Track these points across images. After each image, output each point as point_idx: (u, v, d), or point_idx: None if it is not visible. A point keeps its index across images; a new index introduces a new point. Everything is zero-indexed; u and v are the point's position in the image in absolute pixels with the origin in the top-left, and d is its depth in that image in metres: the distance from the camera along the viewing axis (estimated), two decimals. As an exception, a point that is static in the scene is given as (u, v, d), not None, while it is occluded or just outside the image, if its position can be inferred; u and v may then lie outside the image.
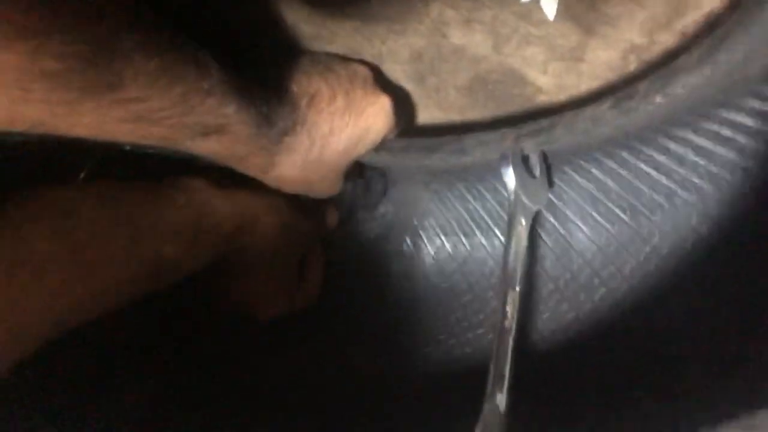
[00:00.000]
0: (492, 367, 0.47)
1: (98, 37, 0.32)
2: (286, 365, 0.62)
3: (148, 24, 0.35)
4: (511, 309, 0.50)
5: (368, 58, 0.61)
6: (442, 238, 0.64)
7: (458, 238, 0.63)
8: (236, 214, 0.51)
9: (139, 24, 0.34)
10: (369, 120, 0.53)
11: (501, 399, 0.47)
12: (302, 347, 0.63)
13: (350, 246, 0.67)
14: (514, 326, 0.50)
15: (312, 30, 0.60)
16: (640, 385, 0.51)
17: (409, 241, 0.65)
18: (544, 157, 0.57)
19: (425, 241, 0.65)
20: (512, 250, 0.52)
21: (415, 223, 0.65)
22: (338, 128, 0.52)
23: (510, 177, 0.53)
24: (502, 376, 0.47)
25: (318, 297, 0.63)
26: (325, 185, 0.55)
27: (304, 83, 0.51)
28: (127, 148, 0.43)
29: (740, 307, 0.51)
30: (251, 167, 0.50)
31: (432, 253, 0.64)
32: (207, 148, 0.44)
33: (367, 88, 0.55)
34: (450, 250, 0.64)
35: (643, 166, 0.55)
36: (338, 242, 0.66)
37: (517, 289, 0.51)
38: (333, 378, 0.61)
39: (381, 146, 0.59)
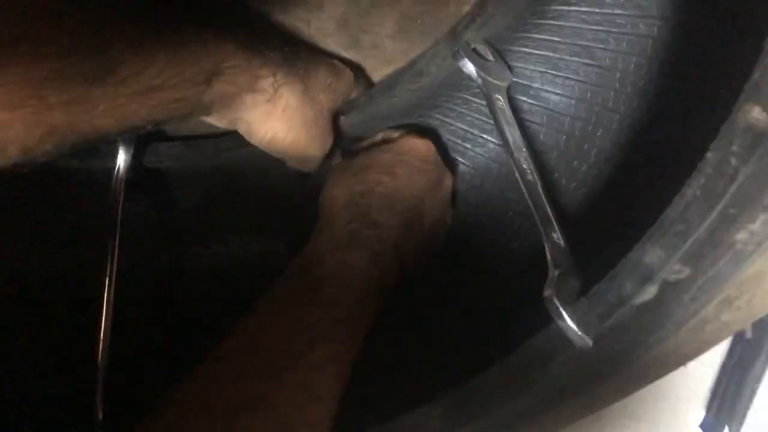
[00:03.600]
0: (535, 214, 0.49)
1: (83, 31, 0.36)
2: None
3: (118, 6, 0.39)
4: (527, 165, 0.52)
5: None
6: (442, 167, 0.66)
7: (455, 160, 0.66)
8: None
9: (111, 11, 0.39)
10: (333, 69, 0.59)
11: (557, 236, 0.48)
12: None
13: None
14: (537, 177, 0.52)
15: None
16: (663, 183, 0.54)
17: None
18: (491, 46, 0.61)
19: (428, 178, 0.67)
20: (503, 122, 0.55)
21: (412, 168, 0.67)
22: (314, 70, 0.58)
23: (469, 67, 0.57)
24: (548, 217, 0.49)
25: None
26: (321, 128, 0.59)
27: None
28: (149, 128, 0.45)
29: (714, 83, 0.54)
30: (261, 99, 0.52)
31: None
32: (218, 93, 0.47)
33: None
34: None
35: (575, 8, 0.59)
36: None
37: (524, 149, 0.54)
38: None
39: (349, 107, 0.63)
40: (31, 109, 0.36)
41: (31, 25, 0.35)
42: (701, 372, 0.77)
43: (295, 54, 0.56)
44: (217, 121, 0.54)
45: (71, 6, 0.37)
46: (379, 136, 0.62)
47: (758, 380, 0.73)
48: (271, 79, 0.52)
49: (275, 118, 0.54)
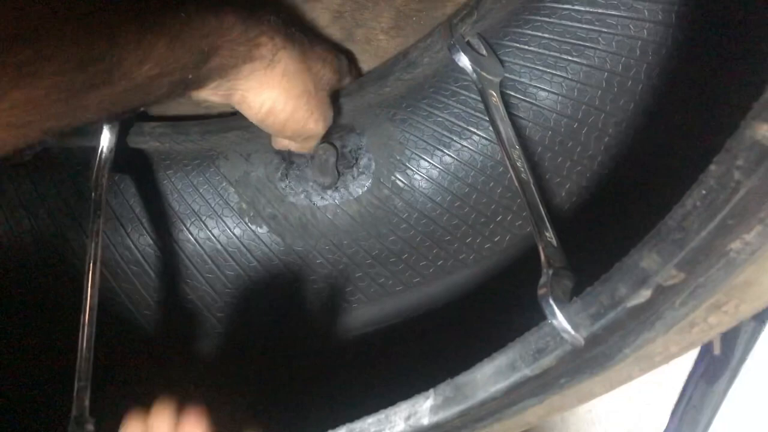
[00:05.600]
0: (529, 213, 0.50)
1: (87, 29, 0.35)
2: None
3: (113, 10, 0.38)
4: (521, 163, 0.53)
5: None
6: (427, 158, 0.67)
7: (441, 151, 0.67)
8: None
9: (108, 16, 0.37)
10: (329, 49, 0.58)
11: (550, 235, 0.49)
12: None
13: (348, 207, 0.69)
14: (530, 176, 0.53)
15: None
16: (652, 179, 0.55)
17: (399, 176, 0.68)
18: (484, 40, 0.61)
19: (413, 168, 0.67)
20: (497, 118, 0.55)
21: (397, 157, 0.67)
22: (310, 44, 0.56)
23: (464, 60, 0.57)
24: (541, 216, 0.50)
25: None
26: (320, 101, 0.57)
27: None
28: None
29: (701, 78, 0.56)
30: (259, 65, 0.50)
31: (425, 176, 0.67)
32: (216, 66, 0.46)
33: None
34: (439, 165, 0.67)
35: (567, 6, 0.60)
36: (337, 206, 0.68)
37: (517, 147, 0.55)
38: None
39: (340, 95, 0.62)
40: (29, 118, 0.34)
41: (33, 24, 0.33)
42: (668, 382, 0.80)
43: (292, 24, 0.55)
44: (211, 94, 0.52)
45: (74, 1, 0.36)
46: None
47: (722, 396, 0.76)
48: (270, 45, 0.50)
49: (273, 86, 0.52)
